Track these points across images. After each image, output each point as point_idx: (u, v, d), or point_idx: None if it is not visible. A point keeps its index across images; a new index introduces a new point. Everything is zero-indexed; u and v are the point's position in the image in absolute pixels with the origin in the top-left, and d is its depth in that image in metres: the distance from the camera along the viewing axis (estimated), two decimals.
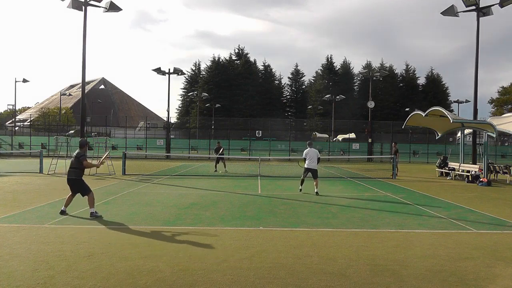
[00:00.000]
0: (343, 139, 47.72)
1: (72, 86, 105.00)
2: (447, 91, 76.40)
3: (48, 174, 17.32)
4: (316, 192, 12.03)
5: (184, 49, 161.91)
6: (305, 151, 12.55)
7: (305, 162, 12.47)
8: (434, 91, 72.10)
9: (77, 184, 8.26)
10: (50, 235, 6.48)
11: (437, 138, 23.28)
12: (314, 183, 12.24)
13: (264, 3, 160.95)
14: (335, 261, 5.33)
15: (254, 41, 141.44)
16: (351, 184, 15.70)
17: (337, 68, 75.42)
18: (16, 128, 53.65)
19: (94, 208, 8.11)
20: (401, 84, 74.74)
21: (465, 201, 11.34)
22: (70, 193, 8.39)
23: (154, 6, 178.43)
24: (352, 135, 44.72)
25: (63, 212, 8.22)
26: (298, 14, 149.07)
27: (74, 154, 8.40)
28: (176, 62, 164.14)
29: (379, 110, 60.57)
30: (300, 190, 12.52)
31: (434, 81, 74.79)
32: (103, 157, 9.19)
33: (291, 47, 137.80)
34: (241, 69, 73.03)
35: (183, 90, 78.20)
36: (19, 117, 77.67)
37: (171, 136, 39.73)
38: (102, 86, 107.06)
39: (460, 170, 18.47)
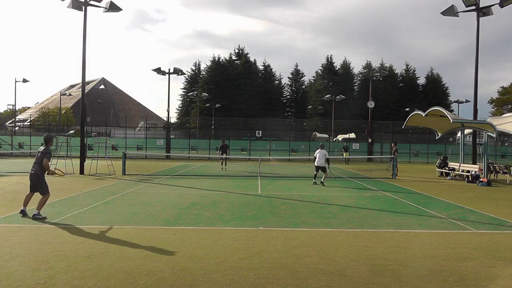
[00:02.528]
0: (343, 139, 47.67)
1: (72, 86, 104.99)
2: (447, 91, 76.45)
3: (48, 174, 17.28)
4: (322, 182, 14.42)
5: (184, 49, 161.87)
6: (316, 151, 15.13)
7: (315, 161, 14.92)
8: (434, 91, 72.08)
9: (36, 180, 8.00)
10: (50, 235, 6.48)
11: (437, 138, 23.28)
12: (323, 176, 14.72)
13: (262, 3, 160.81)
14: (335, 261, 5.33)
15: (253, 41, 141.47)
16: (351, 184, 15.70)
17: (337, 68, 75.41)
18: (16, 128, 53.65)
19: (39, 211, 7.82)
20: (401, 84, 74.73)
21: (465, 201, 11.34)
22: (29, 190, 8.16)
23: (152, 6, 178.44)
24: (352, 135, 44.68)
25: (23, 212, 7.91)
26: (297, 14, 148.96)
27: (39, 149, 8.21)
28: (175, 62, 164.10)
29: (379, 110, 60.55)
30: (314, 183, 14.79)
31: (434, 81, 74.79)
32: (56, 171, 8.88)
33: (290, 47, 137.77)
34: (241, 69, 73.02)
35: (183, 90, 78.24)
36: (19, 117, 77.66)
37: (171, 136, 39.72)
38: (102, 86, 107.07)
39: (460, 170, 18.47)
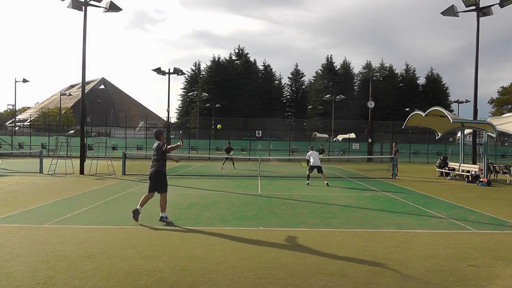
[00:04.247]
0: (343, 139, 47.69)
1: (72, 86, 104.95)
2: (447, 91, 76.40)
3: (48, 174, 17.32)
4: (327, 184, 14.49)
5: (183, 49, 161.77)
6: (308, 153, 15.23)
7: (309, 162, 14.94)
8: (434, 91, 72.05)
9: (157, 177, 7.52)
10: (50, 235, 6.47)
11: (437, 138, 23.28)
12: (323, 176, 14.83)
13: (262, 2, 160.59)
14: (335, 261, 5.33)
15: (253, 41, 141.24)
16: (351, 184, 15.71)
17: (337, 68, 75.39)
18: (16, 128, 53.62)
19: (165, 213, 7.56)
20: (401, 84, 74.70)
21: (465, 201, 11.34)
22: (148, 192, 7.74)
23: (152, 6, 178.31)
24: (352, 135, 44.69)
25: (137, 212, 7.46)
26: (296, 14, 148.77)
27: (154, 146, 7.67)
28: (175, 62, 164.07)
29: (379, 110, 60.52)
30: (308, 184, 14.63)
31: (434, 81, 74.75)
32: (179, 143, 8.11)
33: (290, 47, 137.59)
34: (241, 69, 73.01)
35: (183, 90, 78.22)
36: (19, 117, 77.64)
37: (171, 136, 39.71)
38: (102, 86, 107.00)
39: (460, 170, 18.47)
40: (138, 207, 7.56)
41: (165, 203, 7.64)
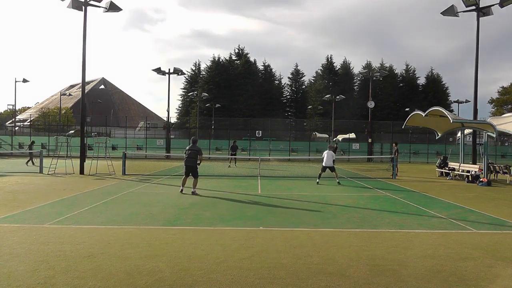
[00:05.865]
0: (343, 139, 47.64)
1: (72, 86, 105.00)
2: (447, 91, 76.26)
3: (48, 174, 17.32)
4: (338, 182, 15.06)
5: (183, 49, 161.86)
6: (324, 152, 15.72)
7: (323, 162, 15.44)
8: (434, 91, 71.93)
9: (193, 168, 11.70)
10: (50, 235, 6.47)
11: (437, 138, 23.27)
12: (335, 175, 15.36)
13: (260, 3, 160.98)
14: (335, 261, 5.33)
15: (253, 41, 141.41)
16: (351, 184, 15.71)
17: (337, 68, 75.30)
18: (16, 128, 53.62)
19: (195, 189, 11.61)
20: (401, 84, 74.59)
21: (465, 201, 11.34)
22: (184, 176, 11.87)
23: (151, 6, 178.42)
24: (352, 135, 44.64)
25: (182, 191, 11.47)
26: (295, 14, 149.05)
27: (191, 147, 11.75)
28: (175, 62, 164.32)
29: (379, 110, 60.46)
30: (318, 183, 14.99)
31: (434, 81, 74.65)
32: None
33: (290, 47, 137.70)
34: (241, 69, 72.93)
35: (183, 90, 78.16)
36: (19, 117, 77.64)
37: (171, 136, 39.68)
38: (102, 86, 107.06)
39: (460, 170, 18.47)
40: (182, 187, 11.66)
41: (197, 183, 11.82)
